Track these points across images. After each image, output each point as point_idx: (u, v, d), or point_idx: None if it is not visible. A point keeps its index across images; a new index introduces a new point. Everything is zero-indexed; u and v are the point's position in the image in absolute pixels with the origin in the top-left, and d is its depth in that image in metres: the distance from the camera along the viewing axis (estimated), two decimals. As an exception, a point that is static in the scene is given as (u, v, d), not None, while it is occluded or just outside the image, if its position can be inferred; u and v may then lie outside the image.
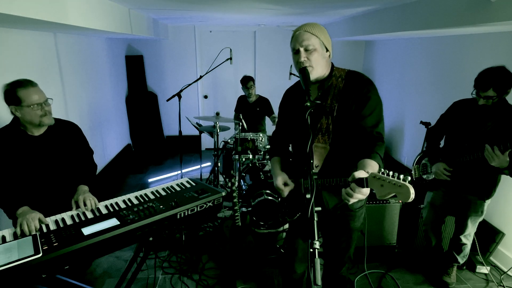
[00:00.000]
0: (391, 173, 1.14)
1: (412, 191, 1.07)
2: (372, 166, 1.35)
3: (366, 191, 1.25)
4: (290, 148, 1.86)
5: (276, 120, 3.91)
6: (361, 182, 1.23)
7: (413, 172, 2.58)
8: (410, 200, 1.08)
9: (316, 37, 1.45)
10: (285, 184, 1.66)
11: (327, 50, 1.51)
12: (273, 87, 4.15)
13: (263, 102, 4.25)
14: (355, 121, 1.49)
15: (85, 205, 1.79)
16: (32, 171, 1.89)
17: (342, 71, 1.57)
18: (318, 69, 1.49)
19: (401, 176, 1.11)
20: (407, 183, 1.08)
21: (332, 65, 1.60)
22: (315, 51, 1.46)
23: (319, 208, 1.53)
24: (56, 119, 2.00)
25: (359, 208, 1.68)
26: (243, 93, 4.39)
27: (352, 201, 1.29)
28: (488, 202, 2.26)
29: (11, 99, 1.77)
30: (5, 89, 1.77)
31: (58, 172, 1.98)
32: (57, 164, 1.97)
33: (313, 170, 1.34)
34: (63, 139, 1.99)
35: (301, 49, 1.46)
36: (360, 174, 1.24)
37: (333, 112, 1.50)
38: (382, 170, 1.17)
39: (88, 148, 2.17)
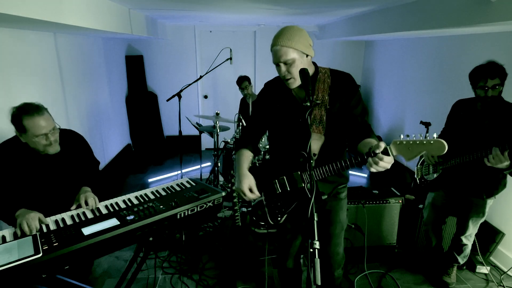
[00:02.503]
0: (413, 135, 1.26)
1: (445, 142, 1.20)
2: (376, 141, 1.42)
3: (390, 159, 1.29)
4: (271, 144, 1.85)
5: None
6: (385, 152, 1.28)
7: (416, 172, 2.58)
8: (445, 151, 1.20)
9: (293, 49, 1.49)
10: (250, 190, 1.61)
11: (307, 55, 1.54)
12: (273, 87, 4.15)
13: None
14: (347, 111, 1.59)
15: (86, 204, 1.79)
16: (38, 185, 1.87)
17: (325, 68, 1.66)
18: (297, 76, 1.54)
19: (427, 135, 1.24)
20: (438, 139, 1.21)
21: (315, 64, 1.67)
22: (294, 63, 1.51)
23: (325, 196, 1.62)
24: (60, 130, 1.90)
25: (344, 198, 1.80)
26: None
27: (376, 169, 1.32)
28: (490, 203, 2.25)
29: (17, 126, 1.72)
30: (12, 113, 1.72)
31: (64, 186, 1.95)
32: (64, 178, 1.95)
33: (309, 159, 1.40)
34: (68, 153, 1.95)
35: (281, 64, 1.52)
36: (382, 144, 1.30)
37: (326, 104, 1.59)
38: (401, 135, 1.28)
39: (93, 159, 2.14)
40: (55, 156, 1.87)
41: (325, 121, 1.58)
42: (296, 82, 1.55)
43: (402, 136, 1.27)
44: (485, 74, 2.02)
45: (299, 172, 1.60)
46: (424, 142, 1.22)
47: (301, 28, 1.55)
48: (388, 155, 1.27)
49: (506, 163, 1.89)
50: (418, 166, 2.57)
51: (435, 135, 1.22)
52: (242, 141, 1.79)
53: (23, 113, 1.69)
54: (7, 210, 1.72)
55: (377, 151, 1.28)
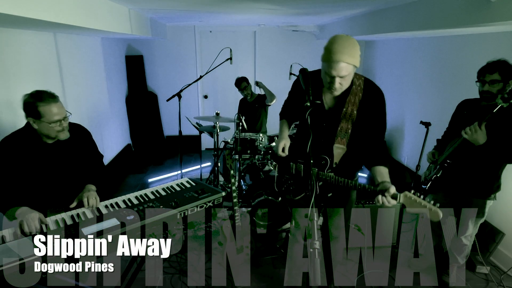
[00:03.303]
0: (421, 196, 1.52)
1: (441, 214, 1.47)
2: (388, 175, 1.65)
3: (395, 202, 1.54)
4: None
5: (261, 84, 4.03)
6: (394, 196, 1.54)
7: (422, 177, 2.58)
8: (439, 219, 1.48)
9: (352, 65, 1.55)
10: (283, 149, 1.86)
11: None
12: (273, 87, 4.15)
13: (262, 99, 4.21)
14: (371, 127, 1.71)
15: (88, 203, 1.80)
16: (44, 177, 1.87)
17: (360, 78, 1.70)
18: (345, 86, 1.65)
19: (432, 202, 1.50)
20: (437, 208, 1.47)
21: None
22: (347, 76, 1.58)
23: (331, 194, 1.91)
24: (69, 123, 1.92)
25: None
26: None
27: (380, 204, 1.57)
28: (490, 203, 2.26)
29: (30, 112, 1.73)
30: (25, 100, 1.73)
31: (70, 178, 1.96)
32: (70, 171, 1.95)
33: (330, 167, 1.71)
34: (75, 145, 1.97)
35: (337, 78, 1.57)
36: (393, 189, 1.55)
37: (354, 118, 1.70)
38: (413, 191, 1.52)
39: (97, 152, 2.16)
40: (62, 146, 1.89)
41: (349, 134, 1.72)
42: (340, 90, 1.64)
43: (413, 191, 1.53)
44: (485, 68, 2.05)
45: (316, 169, 1.67)
46: (427, 205, 1.48)
47: (355, 40, 1.57)
48: (395, 198, 1.53)
49: (481, 133, 1.96)
50: (426, 171, 2.57)
51: (438, 205, 1.49)
52: (282, 113, 2.06)
53: (38, 99, 1.71)
54: (7, 203, 1.71)
55: (387, 194, 1.53)
